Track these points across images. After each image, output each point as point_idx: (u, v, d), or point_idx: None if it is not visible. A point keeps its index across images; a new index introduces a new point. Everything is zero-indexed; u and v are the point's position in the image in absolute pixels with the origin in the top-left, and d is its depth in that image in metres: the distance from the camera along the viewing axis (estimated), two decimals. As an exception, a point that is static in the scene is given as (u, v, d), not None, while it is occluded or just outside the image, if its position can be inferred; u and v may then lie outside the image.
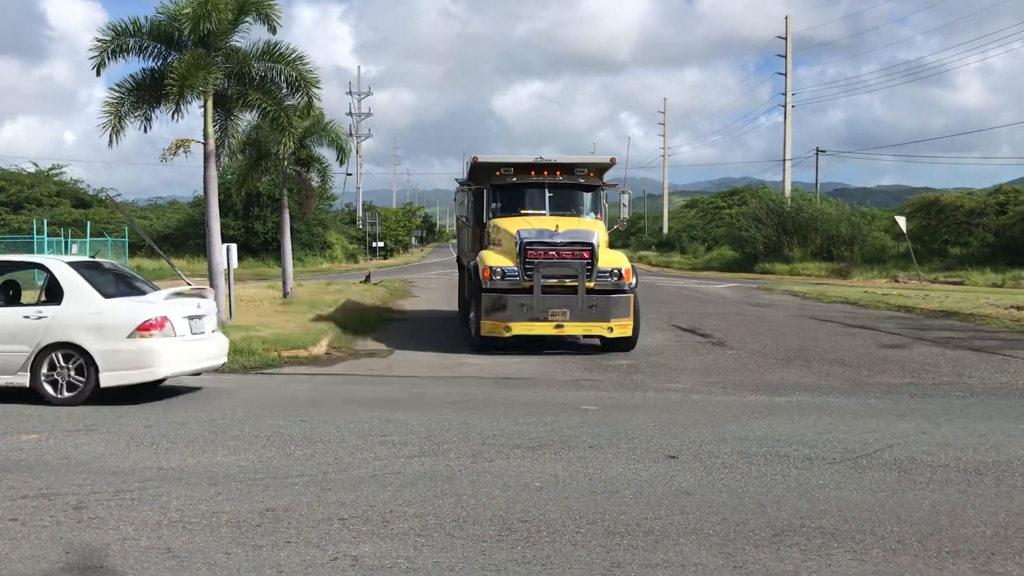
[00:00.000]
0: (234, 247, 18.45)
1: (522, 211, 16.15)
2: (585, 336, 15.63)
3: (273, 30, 17.25)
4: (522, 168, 16.47)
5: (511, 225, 15.42)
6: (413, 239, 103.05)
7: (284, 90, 17.90)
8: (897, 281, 40.04)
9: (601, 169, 16.93)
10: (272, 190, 49.99)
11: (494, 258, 15.09)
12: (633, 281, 15.11)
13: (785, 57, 59.94)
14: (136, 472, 7.10)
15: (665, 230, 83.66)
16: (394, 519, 5.85)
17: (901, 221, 39.84)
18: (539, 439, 8.31)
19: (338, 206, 72.67)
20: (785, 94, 59.85)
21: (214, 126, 17.65)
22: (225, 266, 17.65)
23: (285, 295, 24.74)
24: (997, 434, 8.70)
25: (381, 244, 70.46)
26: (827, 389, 11.78)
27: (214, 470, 7.16)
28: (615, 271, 14.94)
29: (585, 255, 14.76)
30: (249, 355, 14.04)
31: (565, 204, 16.42)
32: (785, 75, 60.04)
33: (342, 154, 25.43)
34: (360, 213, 77.93)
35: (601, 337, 15.15)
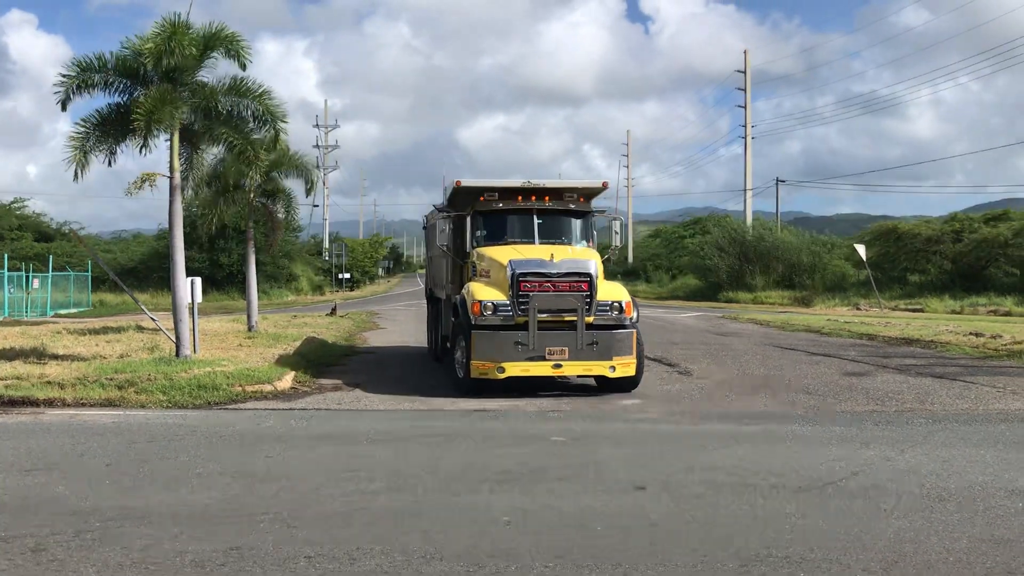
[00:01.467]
0: (199, 280, 18.22)
1: (508, 239, 15.13)
2: (579, 376, 14.47)
3: (243, 66, 17.20)
4: (508, 193, 15.45)
5: (500, 254, 14.34)
6: (380, 270, 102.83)
7: (251, 124, 17.79)
8: (859, 309, 40.55)
9: (591, 194, 16.06)
10: (238, 222, 49.54)
11: (484, 291, 13.89)
12: (635, 315, 14.04)
13: (744, 90, 60.94)
14: (97, 512, 6.93)
15: (630, 259, 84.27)
16: (361, 556, 5.76)
17: (861, 249, 40.42)
18: (508, 472, 8.25)
19: (304, 237, 72.34)
20: (745, 126, 60.77)
21: (180, 160, 17.48)
22: (189, 300, 17.44)
23: (250, 329, 24.48)
24: (960, 460, 8.78)
25: (347, 275, 70.16)
26: (793, 417, 11.83)
27: (178, 508, 7.02)
28: (615, 304, 13.86)
29: (584, 287, 13.66)
30: (212, 390, 13.84)
31: (554, 232, 15.47)
32: (744, 107, 60.99)
33: (309, 185, 25.35)
34: (327, 244, 77.65)
35: (601, 377, 14.03)
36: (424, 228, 21.20)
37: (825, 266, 51.56)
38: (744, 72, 61.01)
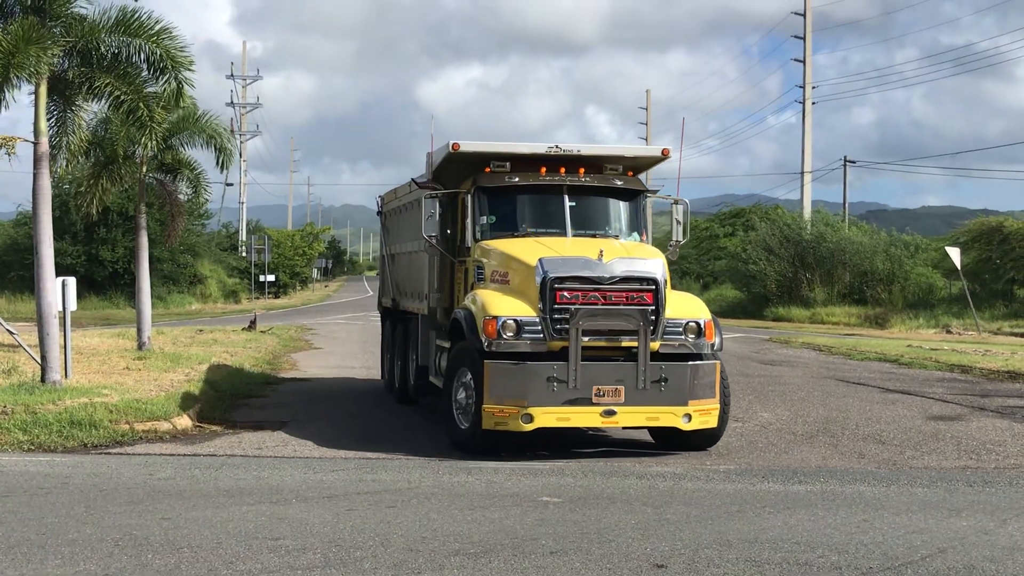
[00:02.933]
0: (72, 282, 18.17)
1: (527, 228, 14.21)
2: (635, 427, 13.58)
3: (134, -7, 17.23)
4: (526, 163, 14.38)
5: (523, 250, 13.33)
6: (315, 271, 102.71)
7: (144, 73, 17.82)
8: (949, 332, 40.80)
9: (643, 166, 15.22)
10: (125, 205, 49.72)
11: (501, 303, 12.80)
12: (716, 340, 13.22)
13: (803, 38, 61.34)
14: (-66, 590, 6.92)
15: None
16: (289, 653, 5.78)
17: (954, 253, 40.64)
18: (484, 543, 8.27)
19: (214, 226, 72.33)
20: (803, 87, 61.17)
21: (49, 120, 17.45)
22: (60, 307, 17.38)
23: (140, 346, 24.43)
24: (1079, 534, 8.88)
25: (272, 278, 70.09)
26: (860, 475, 11.91)
27: (42, 587, 7.01)
28: (691, 324, 13.02)
29: (647, 298, 12.68)
30: (91, 429, 13.79)
31: (593, 218, 14.52)
32: (803, 61, 61.40)
33: (223, 156, 25.32)
34: (243, 236, 77.54)
35: (664, 429, 13.26)
36: (379, 214, 20.52)
37: (906, 275, 51.87)
38: (803, 14, 61.46)
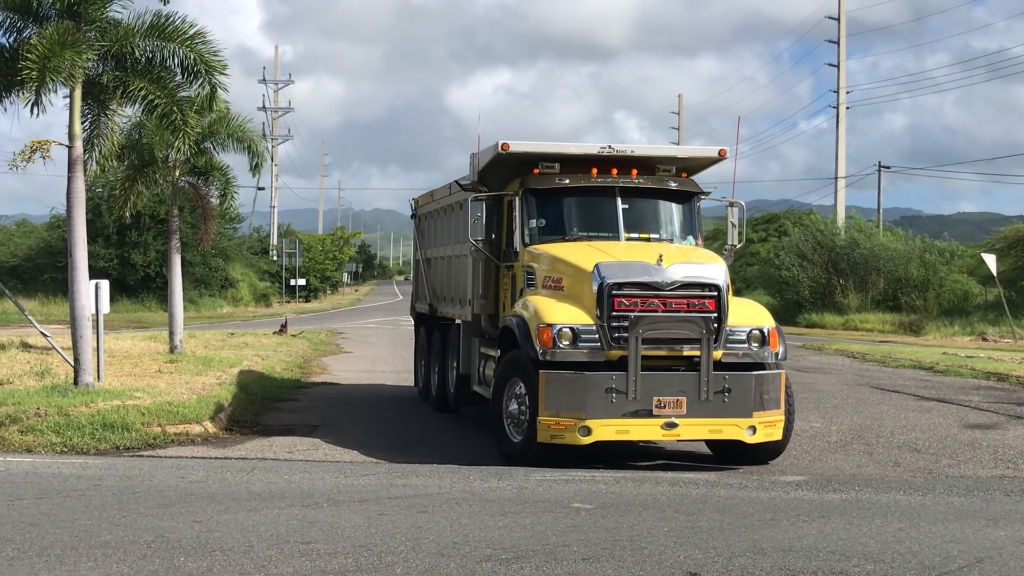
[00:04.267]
0: (105, 284, 18.31)
1: (578, 232, 13.99)
2: (697, 439, 13.25)
3: (165, -1, 17.34)
4: (577, 164, 14.14)
5: (578, 255, 13.07)
6: (345, 275, 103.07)
7: (178, 77, 17.93)
8: (985, 339, 40.52)
9: (698, 167, 15.01)
10: (157, 209, 50.07)
11: (556, 310, 12.49)
12: (780, 349, 12.98)
13: (837, 42, 61.04)
14: (-31, 591, 6.98)
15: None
16: (320, 657, 5.79)
17: (990, 260, 40.35)
18: (515, 548, 8.27)
19: (245, 230, 72.69)
20: (837, 91, 60.89)
21: (83, 123, 17.59)
22: (93, 310, 17.51)
23: (172, 349, 24.57)
24: (1120, 545, 8.78)
25: (303, 282, 70.38)
26: (895, 483, 11.84)
27: (76, 588, 7.06)
28: (755, 332, 12.78)
29: (709, 305, 12.41)
30: (123, 431, 13.91)
31: (646, 221, 14.21)
32: (837, 66, 61.11)
33: (256, 160, 25.44)
34: (275, 240, 77.90)
35: (725, 442, 12.96)
36: (413, 217, 20.46)
37: (942, 282, 51.52)
38: (837, 19, 61.18)
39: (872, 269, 52.50)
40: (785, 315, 53.98)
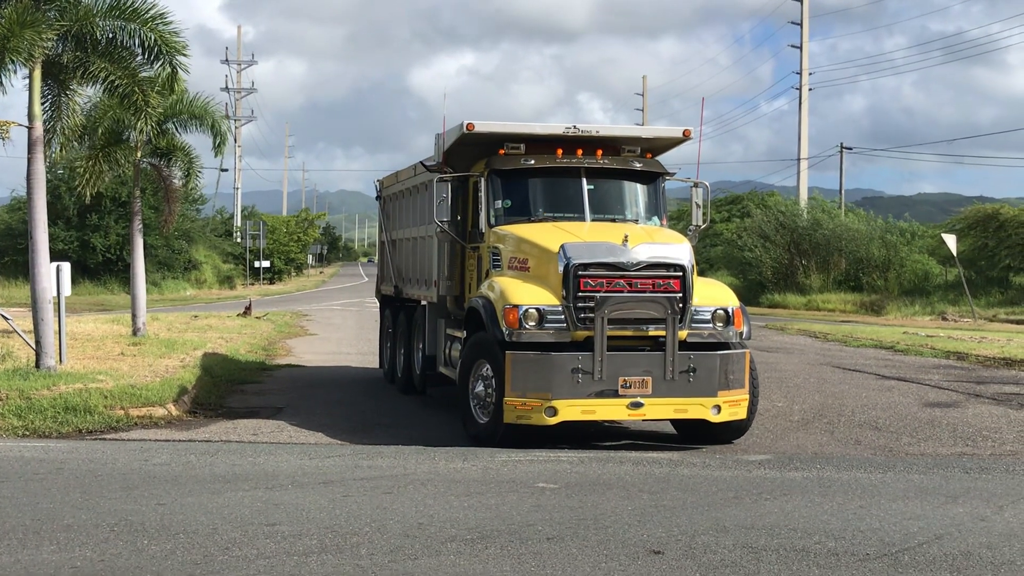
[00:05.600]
0: (67, 267, 18.16)
1: (543, 213, 13.99)
2: (663, 419, 13.29)
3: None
4: (542, 145, 14.09)
5: (543, 236, 13.06)
6: (310, 257, 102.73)
7: (139, 57, 17.80)
8: (945, 319, 40.91)
9: (662, 147, 14.91)
10: (118, 191, 49.64)
11: (522, 290, 12.51)
12: (745, 329, 13.05)
13: (800, 24, 61.28)
14: (-71, 575, 6.93)
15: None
16: (285, 638, 5.79)
17: (950, 240, 40.74)
18: (480, 529, 8.29)
19: (208, 211, 72.23)
20: (800, 73, 61.19)
21: (43, 104, 17.41)
22: (54, 292, 17.37)
23: (135, 332, 24.41)
24: (1075, 521, 8.90)
25: (267, 264, 70.10)
26: (856, 461, 11.96)
27: (37, 572, 7.00)
28: (719, 312, 12.80)
29: (674, 285, 12.44)
30: (85, 414, 13.82)
31: (611, 202, 14.30)
32: (800, 47, 61.34)
33: (219, 140, 25.27)
34: (238, 222, 77.48)
35: (690, 422, 13.02)
36: (378, 198, 20.29)
37: (902, 262, 51.97)
38: (800, 0, 61.36)
39: (834, 250, 52.87)
40: (748, 295, 54.28)
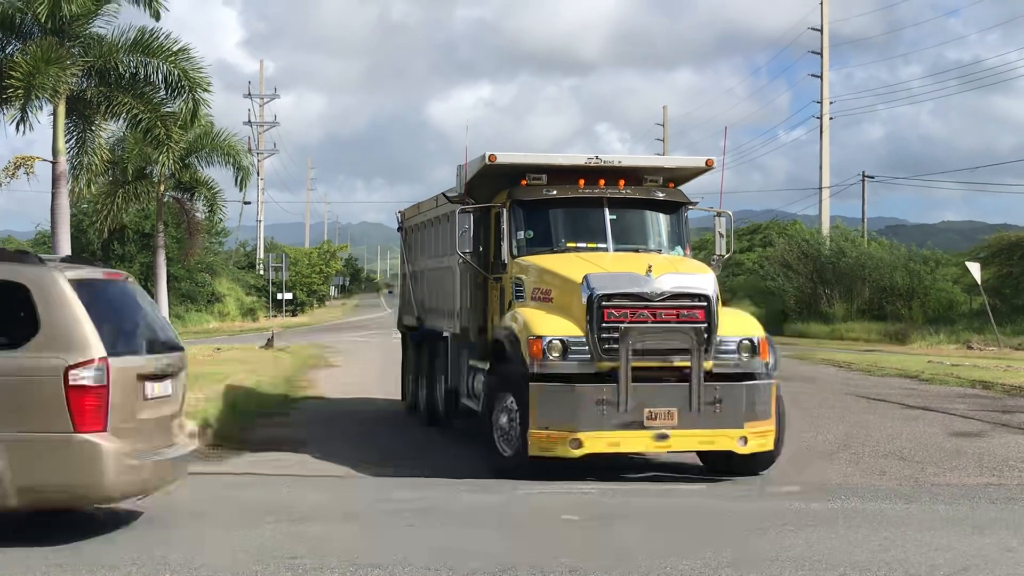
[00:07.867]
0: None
1: (566, 243, 13.89)
2: (689, 451, 13.05)
3: (156, 15, 17.39)
4: (564, 175, 14.04)
5: (566, 267, 12.98)
6: (332, 289, 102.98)
7: (162, 92, 17.99)
8: (970, 348, 40.62)
9: (685, 177, 14.90)
10: (141, 223, 49.97)
11: (546, 322, 12.41)
12: (771, 359, 12.91)
13: (820, 53, 61.22)
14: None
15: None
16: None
17: (974, 268, 40.50)
18: (503, 561, 8.25)
19: (231, 244, 72.62)
20: (821, 102, 61.05)
21: (68, 139, 17.64)
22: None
23: (159, 365, 24.51)
24: (1105, 552, 8.81)
25: (289, 296, 70.28)
26: (882, 492, 11.87)
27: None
28: (745, 342, 12.68)
29: (699, 315, 12.34)
30: (110, 447, 13.84)
31: (634, 232, 14.20)
32: (820, 76, 61.28)
33: (242, 174, 25.47)
34: (261, 254, 77.79)
35: (717, 454, 12.75)
36: (400, 229, 20.19)
37: (927, 290, 51.67)
38: (820, 30, 61.37)
39: (857, 278, 52.64)
40: (771, 325, 53.93)
